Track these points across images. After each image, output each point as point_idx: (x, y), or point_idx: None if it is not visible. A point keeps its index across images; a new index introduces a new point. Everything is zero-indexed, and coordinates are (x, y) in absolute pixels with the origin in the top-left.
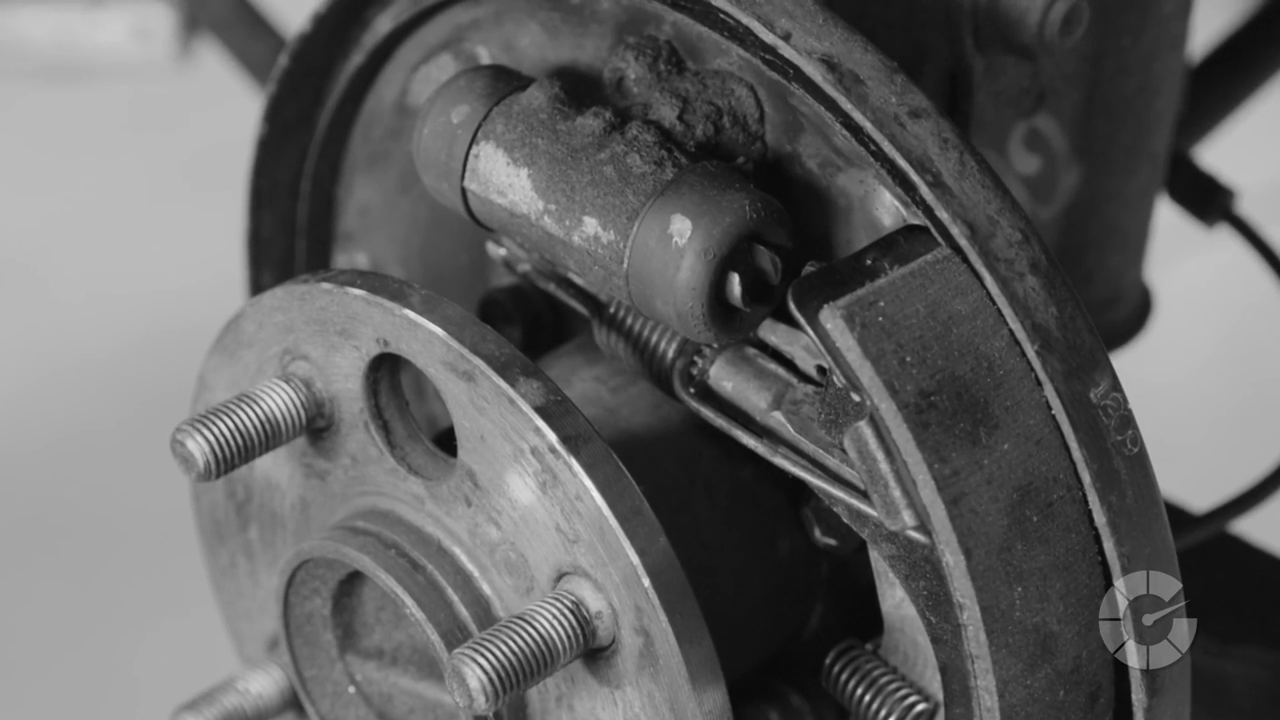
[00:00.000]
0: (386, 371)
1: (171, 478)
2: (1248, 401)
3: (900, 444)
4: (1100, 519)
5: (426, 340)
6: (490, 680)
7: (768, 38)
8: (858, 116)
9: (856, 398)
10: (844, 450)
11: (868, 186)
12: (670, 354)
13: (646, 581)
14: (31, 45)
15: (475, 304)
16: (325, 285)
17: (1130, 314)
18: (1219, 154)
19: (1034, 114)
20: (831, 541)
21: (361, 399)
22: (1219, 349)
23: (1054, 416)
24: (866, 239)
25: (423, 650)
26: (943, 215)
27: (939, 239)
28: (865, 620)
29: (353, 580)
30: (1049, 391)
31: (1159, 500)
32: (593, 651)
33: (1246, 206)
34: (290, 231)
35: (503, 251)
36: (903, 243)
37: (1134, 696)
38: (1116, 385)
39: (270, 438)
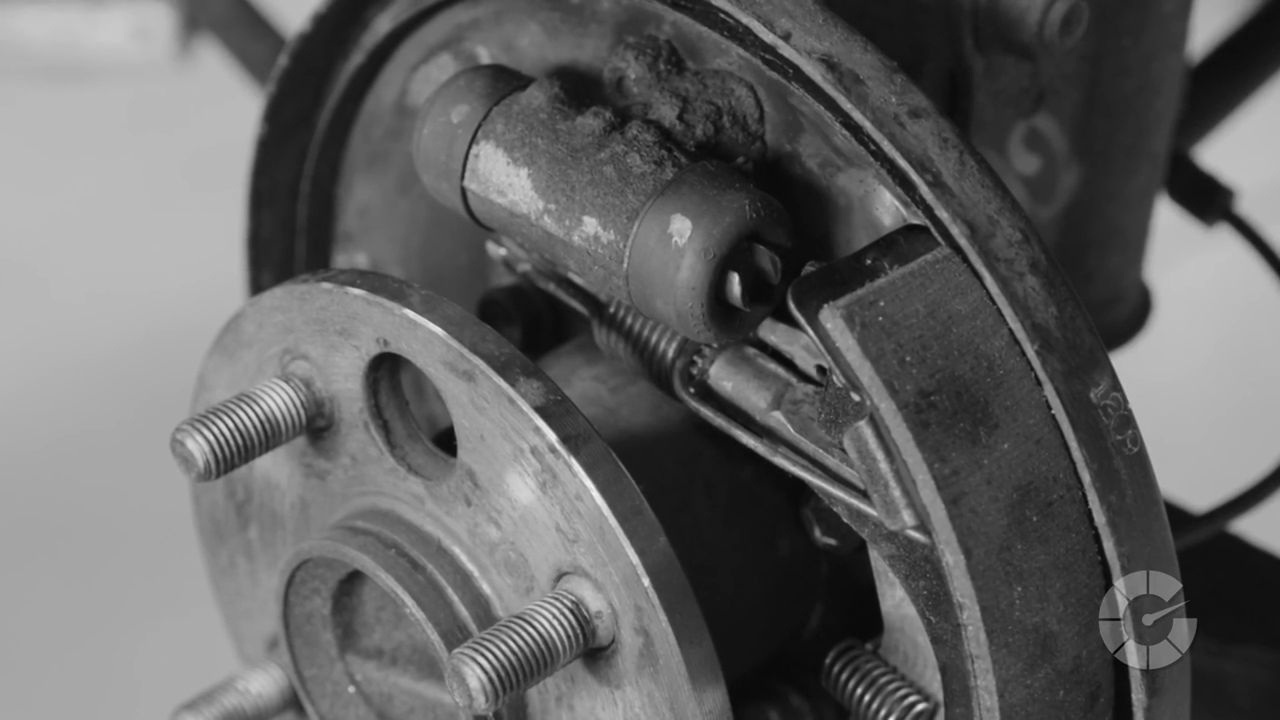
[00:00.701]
0: (386, 371)
1: (171, 478)
2: (1247, 401)
3: (900, 444)
4: (1100, 519)
5: (426, 340)
6: (490, 680)
7: (767, 37)
8: (857, 116)
9: (856, 397)
10: (844, 450)
11: (867, 186)
12: (670, 354)
13: (646, 581)
14: (31, 45)
15: (475, 304)
16: (325, 285)
17: (1130, 314)
18: (1219, 154)
19: (1034, 114)
20: (831, 541)
21: (361, 399)
22: (1219, 349)
23: (1054, 416)
24: (866, 239)
25: (422, 650)
26: (942, 215)
27: (939, 239)
28: (865, 620)
29: (352, 580)
30: (1049, 391)
31: (1159, 500)
32: (593, 651)
33: (1246, 206)
34: (290, 231)
35: (502, 251)
36: (902, 242)
37: (1134, 696)
38: (1116, 385)
39: (270, 437)
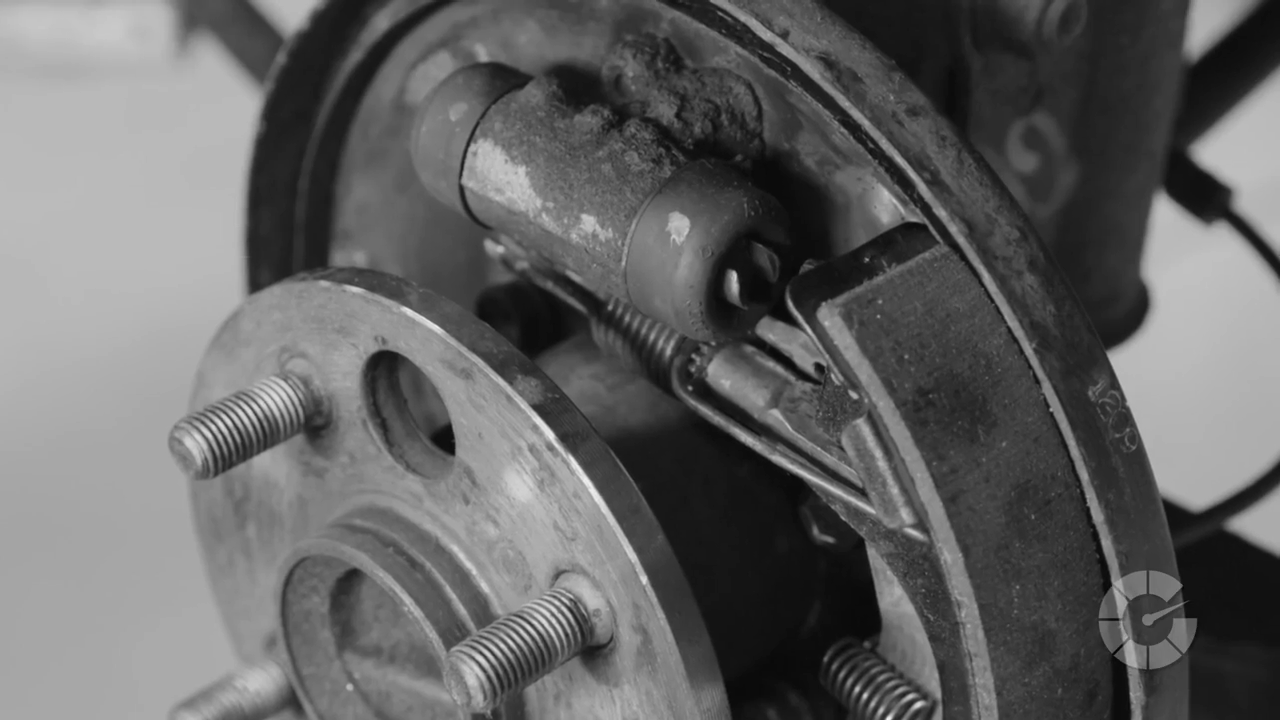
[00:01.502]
0: (384, 369)
1: (170, 476)
2: (1246, 399)
3: (898, 441)
4: (1098, 517)
5: (424, 338)
6: (488, 678)
7: (766, 35)
8: (855, 114)
9: (854, 395)
10: (842, 448)
11: (866, 184)
12: (668, 352)
13: (644, 579)
14: (30, 43)
15: (473, 302)
16: (323, 283)
17: (1128, 312)
18: (1217, 152)
19: (1032, 112)
20: (829, 539)
21: (359, 397)
22: (1217, 347)
23: (1052, 414)
24: (864, 237)
25: (421, 648)
26: (941, 213)
27: (937, 237)
28: (863, 618)
29: (351, 578)
30: (1047, 389)
31: (1157, 498)
32: (591, 649)
33: (1245, 204)
34: (288, 229)
35: (501, 249)
36: (901, 240)
37: (1132, 694)
38: (1114, 383)
39: (268, 435)
